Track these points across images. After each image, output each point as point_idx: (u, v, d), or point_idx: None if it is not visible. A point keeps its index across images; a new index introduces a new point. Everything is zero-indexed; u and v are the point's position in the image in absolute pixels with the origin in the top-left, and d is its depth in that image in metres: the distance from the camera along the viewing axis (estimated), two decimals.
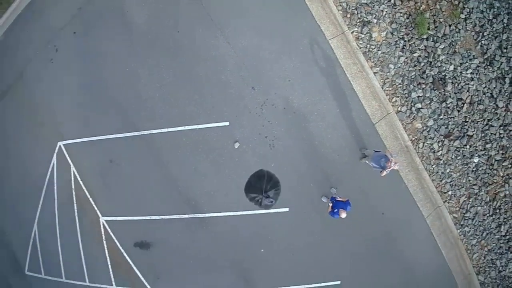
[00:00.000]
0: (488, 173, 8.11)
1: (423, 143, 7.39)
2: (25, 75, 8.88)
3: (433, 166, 7.52)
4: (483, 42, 7.87)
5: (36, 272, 9.38)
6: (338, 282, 7.45)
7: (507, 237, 8.86)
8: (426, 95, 7.39)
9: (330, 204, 6.46)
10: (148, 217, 7.32)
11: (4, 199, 9.43)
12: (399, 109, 7.21)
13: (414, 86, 7.30)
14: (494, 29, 7.96)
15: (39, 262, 9.16)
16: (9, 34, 9.67)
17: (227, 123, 6.82)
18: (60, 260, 8.64)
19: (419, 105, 7.33)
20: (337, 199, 6.54)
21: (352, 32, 7.15)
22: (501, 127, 8.01)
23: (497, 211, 8.51)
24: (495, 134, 8.05)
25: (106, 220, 7.65)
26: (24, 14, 9.49)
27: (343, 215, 6.22)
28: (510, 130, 8.15)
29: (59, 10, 8.68)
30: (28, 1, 9.51)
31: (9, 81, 9.34)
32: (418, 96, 7.34)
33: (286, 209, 7.08)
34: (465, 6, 7.89)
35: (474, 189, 8.14)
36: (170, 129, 6.99)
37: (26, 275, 9.72)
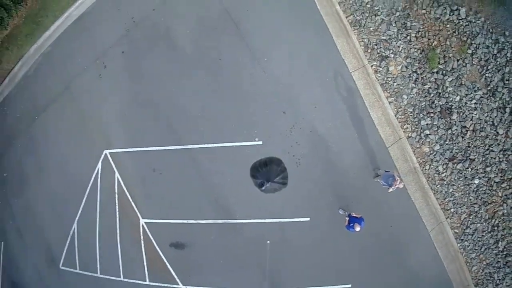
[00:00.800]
0: (487, 193, 9.62)
1: (430, 165, 8.94)
2: (73, 87, 10.46)
3: (438, 186, 9.05)
4: (487, 75, 9.41)
5: (71, 267, 10.91)
6: (349, 286, 8.96)
7: (505, 252, 10.34)
8: (434, 123, 8.95)
9: (347, 219, 8.01)
10: (184, 221, 8.85)
11: (46, 199, 10.99)
12: (409, 134, 8.77)
13: (423, 114, 8.85)
14: (498, 62, 9.50)
15: (75, 258, 10.69)
16: (57, 46, 11.30)
17: (260, 142, 8.41)
18: (96, 257, 10.16)
19: (427, 132, 8.89)
20: (352, 215, 8.09)
21: (371, 66, 8.74)
22: (501, 152, 9.52)
23: (495, 228, 10.00)
24: (495, 158, 9.56)
25: (145, 222, 9.20)
26: (72, 29, 11.10)
27: (358, 229, 7.76)
28: (508, 155, 9.66)
29: (108, 30, 10.27)
30: (76, 17, 11.14)
31: (56, 91, 10.94)
32: (427, 124, 8.89)
33: (307, 219, 8.61)
34: (472, 42, 9.44)
35: (474, 207, 9.65)
36: (210, 145, 8.55)
37: (60, 270, 11.27)
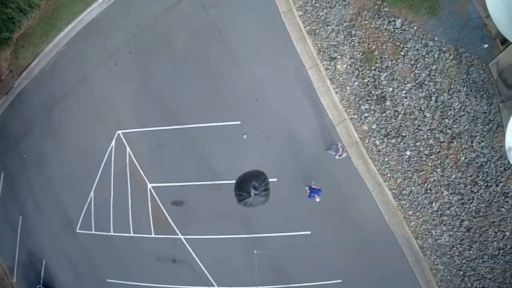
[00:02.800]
0: (418, 163, 14.43)
1: (368, 140, 13.75)
2: (88, 80, 15.13)
3: (376, 156, 13.86)
4: (416, 71, 14.23)
5: (87, 229, 15.58)
6: (309, 232, 13.75)
7: (439, 212, 15.18)
8: (371, 108, 13.78)
9: (308, 190, 12.82)
10: (183, 183, 13.55)
11: (65, 174, 15.60)
12: (352, 116, 13.57)
13: (363, 101, 13.68)
14: (426, 62, 14.34)
15: (91, 221, 15.33)
16: (71, 46, 15.94)
17: (239, 122, 13.17)
18: (110, 218, 14.80)
19: (366, 114, 13.71)
20: (312, 187, 12.91)
21: (323, 65, 13.58)
22: (428, 131, 14.35)
23: (428, 191, 14.79)
24: (423, 136, 14.39)
25: (152, 186, 13.94)
26: (84, 32, 15.72)
27: (317, 199, 12.58)
28: (435, 133, 14.54)
29: (117, 33, 14.89)
30: (87, 22, 15.78)
31: (73, 83, 15.59)
32: (366, 108, 13.72)
33: (275, 179, 13.34)
34: (405, 46, 14.25)
35: (408, 173, 14.46)
36: (201, 125, 13.30)
37: (76, 233, 15.97)
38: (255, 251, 14.30)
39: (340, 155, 12.59)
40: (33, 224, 16.87)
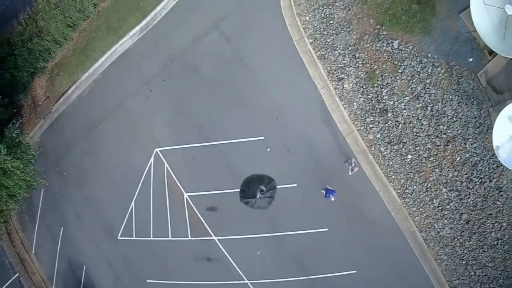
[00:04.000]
0: (419, 165, 17.97)
1: (374, 147, 17.32)
2: (125, 105, 18.73)
3: (381, 161, 17.45)
4: (412, 86, 17.88)
5: (128, 236, 19.15)
6: (326, 229, 17.46)
7: (440, 207, 18.69)
8: (375, 119, 17.42)
9: (323, 192, 16.62)
10: (216, 192, 17.14)
11: (105, 189, 19.19)
12: (359, 128, 17.20)
13: (368, 114, 17.31)
14: (421, 76, 18.07)
15: (132, 228, 18.83)
16: (107, 74, 19.64)
17: (262, 137, 16.63)
18: (150, 225, 18.29)
19: (371, 125, 17.34)
20: (327, 188, 16.69)
21: (332, 85, 17.35)
22: (426, 137, 17.92)
23: (429, 189, 18.27)
24: (421, 141, 18.04)
25: (188, 195, 17.56)
26: (119, 62, 19.40)
27: (332, 198, 16.33)
28: (432, 138, 18.24)
29: (149, 63, 18.51)
30: (121, 52, 19.45)
31: (111, 108, 19.24)
32: (371, 120, 17.34)
33: (295, 185, 17.09)
34: (402, 64, 18.01)
35: (410, 175, 18.02)
36: (229, 141, 16.96)
37: (118, 240, 19.56)
38: (258, 252, 18.00)
39: (352, 170, 16.39)
40: (74, 235, 20.35)
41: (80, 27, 19.57)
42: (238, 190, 16.64)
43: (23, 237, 21.61)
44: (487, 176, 17.59)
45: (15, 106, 20.38)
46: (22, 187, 17.14)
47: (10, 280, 21.57)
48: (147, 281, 18.75)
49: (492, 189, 17.63)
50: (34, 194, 19.43)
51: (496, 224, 17.96)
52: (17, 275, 21.76)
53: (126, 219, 18.38)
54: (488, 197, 17.75)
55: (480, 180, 17.62)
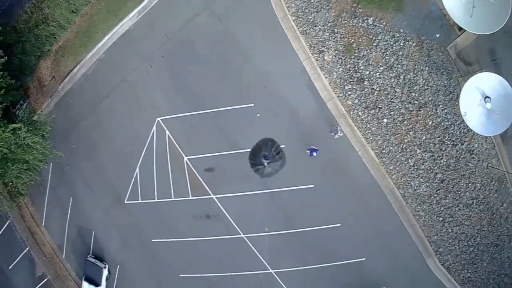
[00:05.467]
0: (394, 128, 22.11)
1: (353, 111, 21.16)
2: (128, 79, 22.72)
3: (359, 124, 21.36)
4: (386, 57, 22.10)
5: (134, 199, 23.32)
6: (312, 185, 21.81)
7: (415, 167, 22.59)
8: (353, 87, 21.33)
9: (308, 151, 20.95)
10: (213, 154, 21.19)
11: (112, 157, 23.15)
12: (338, 95, 21.18)
13: (346, 83, 21.21)
14: (394, 49, 22.30)
15: (138, 192, 22.86)
16: (110, 53, 23.80)
17: (253, 104, 20.26)
18: (154, 187, 22.32)
19: (349, 93, 21.22)
20: (312, 148, 21.00)
21: (314, 57, 21.61)
22: (399, 102, 22.01)
23: (404, 150, 22.30)
24: (395, 106, 22.33)
25: (188, 158, 21.73)
26: (120, 41, 23.41)
27: (315, 154, 20.66)
28: (405, 104, 22.51)
29: (148, 42, 22.47)
30: (121, 33, 23.53)
31: (115, 83, 23.27)
32: (349, 88, 21.21)
33: (284, 146, 21.38)
34: (376, 38, 22.21)
35: (386, 136, 22.21)
36: (223, 108, 20.76)
37: (125, 204, 23.81)
38: (266, 229, 22.05)
39: (338, 135, 20.59)
40: (83, 203, 24.27)
41: (82, 11, 23.51)
42: (233, 152, 20.94)
43: (33, 211, 24.86)
44: (459, 140, 21.07)
45: (23, 88, 24.33)
46: (42, 160, 21.27)
47: (22, 254, 25.02)
48: (152, 240, 22.98)
49: (464, 152, 21.18)
50: (44, 168, 22.88)
51: (470, 185, 21.50)
52: (28, 248, 25.02)
53: (132, 184, 22.39)
54: (461, 159, 21.20)
55: (452, 143, 21.08)
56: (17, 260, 25.02)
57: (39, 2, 22.24)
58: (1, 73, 19.55)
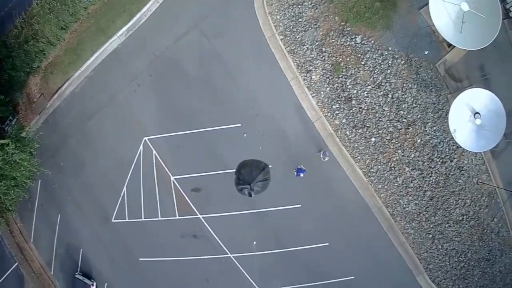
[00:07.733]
0: (382, 147, 21.95)
1: (340, 131, 20.98)
2: (116, 99, 22.55)
3: (347, 143, 21.23)
4: (374, 76, 21.94)
5: (121, 218, 23.06)
6: (299, 205, 21.50)
7: (404, 185, 22.61)
8: (341, 106, 21.21)
9: (295, 171, 20.72)
10: (199, 174, 20.91)
11: (99, 176, 22.94)
12: (326, 114, 21.03)
13: (334, 102, 21.09)
14: (382, 67, 22.08)
15: (125, 211, 22.62)
16: (98, 71, 23.57)
17: (240, 124, 20.22)
18: (141, 207, 22.12)
19: (337, 112, 21.11)
20: (298, 167, 20.74)
21: (301, 76, 21.37)
22: (387, 121, 21.82)
23: (392, 168, 22.08)
24: (383, 125, 22.09)
25: (175, 178, 21.52)
26: (109, 59, 23.21)
27: (301, 174, 20.41)
28: (394, 122, 22.28)
29: (137, 60, 22.32)
30: (110, 51, 23.33)
31: (103, 101, 23.06)
32: (336, 107, 21.15)
33: (271, 166, 21.20)
34: (364, 57, 22.07)
35: (374, 155, 22.04)
36: (210, 128, 20.75)
37: (112, 223, 23.53)
38: (254, 242, 21.66)
39: (324, 158, 20.32)
40: (72, 220, 23.98)
41: (71, 28, 23.32)
42: (220, 172, 20.68)
43: (22, 227, 24.71)
44: (448, 157, 21.07)
45: (12, 104, 24.15)
46: (29, 177, 21.01)
47: (11, 269, 24.78)
48: (140, 259, 22.70)
49: (453, 168, 21.10)
50: (32, 185, 22.70)
51: (459, 201, 21.43)
52: (16, 263, 24.84)
53: (119, 203, 22.18)
54: (450, 176, 21.20)
55: (441, 160, 21.08)
56: (6, 275, 24.81)
57: (29, 17, 22.18)
58: None
